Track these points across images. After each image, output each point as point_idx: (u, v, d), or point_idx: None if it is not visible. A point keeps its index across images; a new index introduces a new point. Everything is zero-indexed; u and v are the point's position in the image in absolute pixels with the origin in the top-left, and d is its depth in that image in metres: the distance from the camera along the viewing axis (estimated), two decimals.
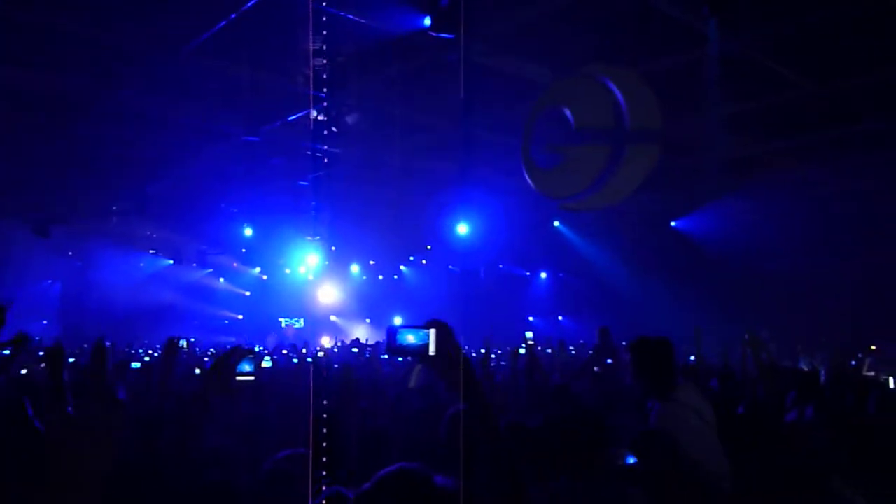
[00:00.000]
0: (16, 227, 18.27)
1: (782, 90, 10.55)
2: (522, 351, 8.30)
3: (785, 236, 15.44)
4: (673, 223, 17.74)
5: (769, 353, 7.54)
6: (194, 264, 25.10)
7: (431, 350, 1.85)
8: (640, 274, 17.48)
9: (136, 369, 7.58)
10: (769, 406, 5.29)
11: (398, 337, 1.86)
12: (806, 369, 9.22)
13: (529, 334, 8.59)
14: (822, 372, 8.40)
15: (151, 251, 23.44)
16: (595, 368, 8.52)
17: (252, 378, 2.28)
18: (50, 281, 23.66)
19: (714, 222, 16.37)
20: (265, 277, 26.39)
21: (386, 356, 12.30)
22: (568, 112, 7.75)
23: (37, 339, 11.80)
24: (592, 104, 7.60)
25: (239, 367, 2.24)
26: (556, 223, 19.18)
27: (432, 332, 1.86)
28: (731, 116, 10.94)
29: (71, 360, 10.22)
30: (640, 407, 5.20)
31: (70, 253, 22.54)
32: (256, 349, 15.61)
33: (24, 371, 7.21)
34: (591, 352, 9.07)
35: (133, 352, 13.50)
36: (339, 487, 2.20)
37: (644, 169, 7.94)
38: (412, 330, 1.86)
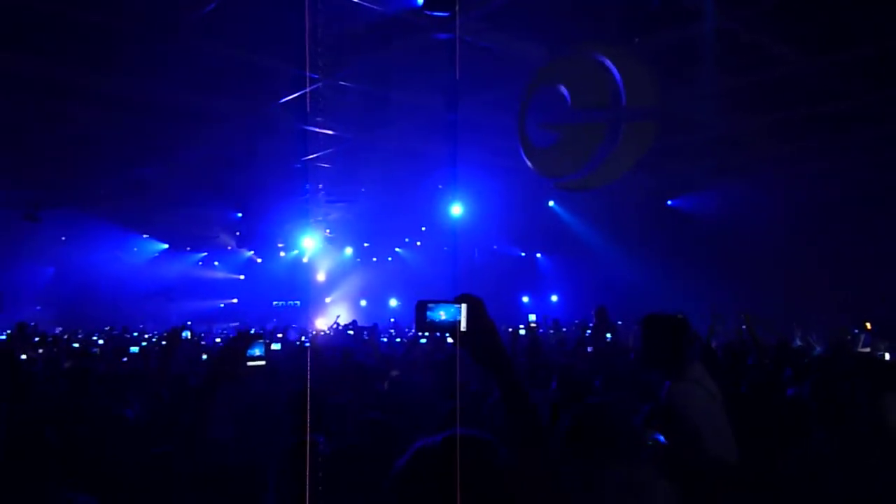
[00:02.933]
0: (6, 212, 18.12)
1: (779, 65, 10.49)
2: (523, 332, 8.30)
3: (782, 214, 15.45)
4: (669, 202, 17.75)
5: (765, 331, 7.57)
6: (188, 248, 25.00)
7: (463, 326, 1.77)
8: (635, 253, 17.48)
9: (135, 354, 7.56)
10: (767, 383, 5.29)
11: (428, 312, 1.78)
12: (801, 345, 9.28)
13: (532, 317, 8.61)
14: (819, 349, 8.44)
15: (145, 235, 23.32)
16: (588, 348, 8.53)
17: (263, 363, 2.22)
18: (43, 266, 23.54)
19: (710, 201, 16.38)
20: (259, 260, 26.32)
21: (385, 339, 12.32)
22: (564, 90, 7.70)
23: (32, 324, 11.76)
24: (589, 82, 7.56)
25: (249, 351, 2.19)
26: (551, 203, 19.16)
27: (463, 306, 1.78)
28: (727, 93, 10.89)
29: (75, 345, 10.21)
30: (640, 385, 5.20)
31: (63, 238, 22.40)
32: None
33: (23, 357, 7.17)
34: (588, 331, 9.09)
35: (128, 336, 13.46)
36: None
37: (640, 147, 7.92)
38: (442, 305, 1.77)
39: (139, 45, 10.25)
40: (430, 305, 1.79)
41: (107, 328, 16.03)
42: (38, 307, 22.58)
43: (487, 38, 9.91)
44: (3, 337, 10.73)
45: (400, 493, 1.22)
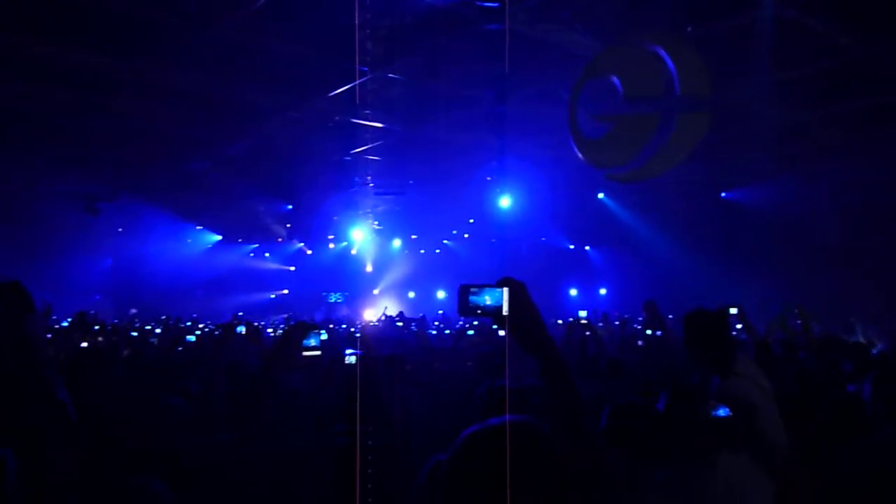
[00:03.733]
0: (67, 205, 18.72)
1: (839, 53, 10.16)
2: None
3: (840, 207, 14.99)
4: (722, 194, 17.39)
5: (819, 326, 7.37)
6: (240, 239, 25.46)
7: (505, 310, 1.76)
8: (687, 246, 17.17)
9: (191, 343, 7.75)
10: (822, 378, 5.16)
11: (470, 297, 1.77)
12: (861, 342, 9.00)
13: (583, 313, 8.55)
14: (881, 346, 8.18)
15: (198, 227, 23.81)
16: (639, 342, 8.40)
17: (318, 353, 2.24)
18: (101, 257, 24.23)
19: (765, 193, 15.97)
20: (309, 252, 26.67)
21: (434, 332, 12.36)
22: (617, 81, 7.59)
23: (92, 312, 12.13)
24: (642, 72, 7.43)
25: (305, 341, 2.21)
26: (601, 195, 18.95)
27: (506, 290, 1.78)
28: (784, 82, 10.60)
29: (133, 333, 10.50)
30: (691, 380, 5.12)
31: (120, 229, 23.02)
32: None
33: (84, 345, 7.40)
34: (636, 325, 8.97)
35: (183, 325, 13.78)
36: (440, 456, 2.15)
37: (694, 138, 7.77)
38: (485, 289, 1.77)
39: (193, 40, 10.46)
40: (472, 289, 1.79)
41: (162, 317, 16.45)
42: (97, 296, 23.27)
43: (537, 29, 9.84)
44: (66, 324, 11.09)
45: (451, 478, 1.22)
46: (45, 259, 17.72)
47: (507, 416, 1.31)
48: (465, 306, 1.78)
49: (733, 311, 6.34)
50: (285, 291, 27.67)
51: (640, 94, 7.57)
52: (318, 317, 20.47)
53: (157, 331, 11.68)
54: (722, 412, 2.55)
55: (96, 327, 9.82)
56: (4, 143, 14.19)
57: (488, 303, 1.77)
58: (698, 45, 8.25)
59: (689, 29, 9.26)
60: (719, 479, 2.69)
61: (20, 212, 18.07)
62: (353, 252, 26.35)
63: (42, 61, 10.93)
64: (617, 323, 13.23)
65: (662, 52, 7.54)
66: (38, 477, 2.14)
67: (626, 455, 2.27)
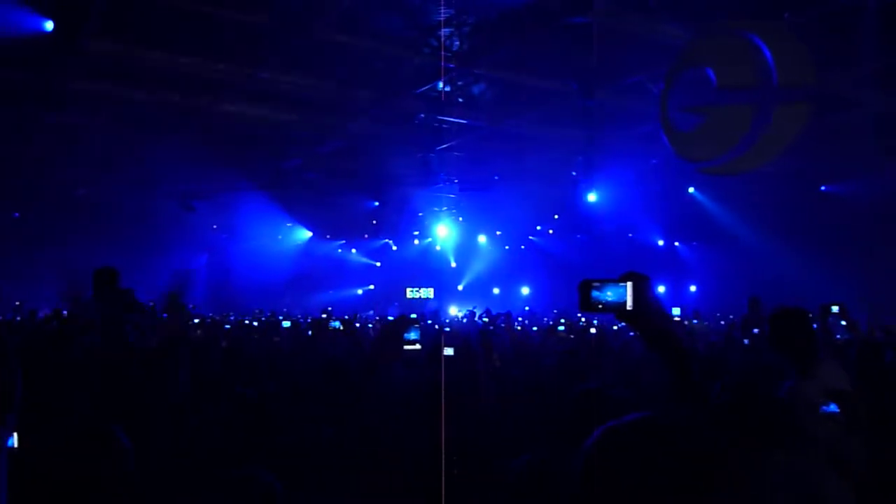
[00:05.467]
0: (165, 203, 19.65)
1: None
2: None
3: None
4: (822, 187, 16.62)
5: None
6: (328, 236, 26.02)
7: (629, 305, 1.74)
8: (784, 242, 16.48)
9: (287, 328, 8.01)
10: None
11: (592, 292, 1.75)
12: None
13: (676, 311, 8.37)
14: None
15: (288, 224, 24.50)
16: (745, 341, 8.15)
17: (419, 347, 2.28)
18: (197, 252, 25.23)
19: (868, 186, 15.14)
20: (395, 248, 27.02)
21: (536, 328, 12.30)
22: (710, 71, 7.36)
23: (191, 306, 12.68)
24: (737, 61, 7.18)
25: (405, 335, 2.25)
26: (691, 189, 18.43)
27: (629, 284, 1.76)
28: (888, 69, 10.03)
29: (226, 326, 10.93)
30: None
31: (214, 226, 23.94)
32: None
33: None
34: (735, 323, 8.69)
35: (276, 319, 14.22)
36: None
37: (793, 129, 7.45)
38: (608, 284, 1.76)
39: (282, 43, 10.77)
40: (595, 284, 1.76)
41: (256, 311, 17.03)
42: (194, 290, 24.24)
43: (625, 21, 9.65)
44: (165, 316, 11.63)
45: (587, 474, 1.22)
46: (147, 254, 18.62)
47: (639, 413, 1.29)
48: (586, 302, 1.77)
49: (835, 308, 6.06)
50: (371, 287, 28.12)
51: (734, 85, 7.31)
52: (393, 312, 20.68)
53: (255, 324, 12.09)
54: (832, 407, 2.45)
55: (196, 320, 10.25)
56: (121, 145, 15.03)
57: (611, 298, 1.76)
58: (796, 31, 7.91)
59: (786, 15, 8.89)
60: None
61: (130, 209, 19.04)
62: (438, 248, 26.53)
63: (151, 67, 11.50)
64: (723, 322, 12.88)
65: (758, 40, 7.26)
66: (154, 457, 2.26)
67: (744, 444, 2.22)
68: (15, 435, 1.52)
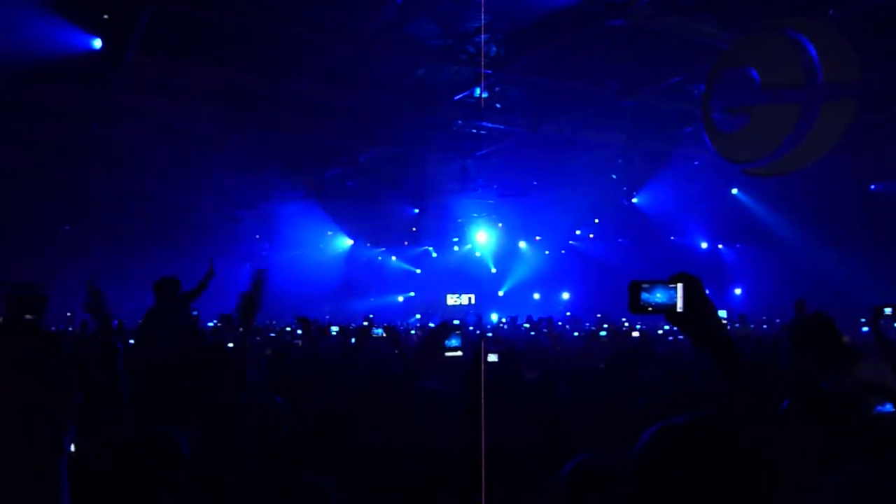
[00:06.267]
0: (211, 214, 20.03)
1: None
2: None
3: None
4: (871, 186, 16.21)
5: None
6: (368, 244, 26.19)
7: (679, 306, 1.71)
8: (832, 243, 16.09)
9: (335, 334, 8.09)
10: None
11: (642, 294, 1.72)
12: None
13: (722, 313, 8.21)
14: None
15: (329, 232, 24.70)
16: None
17: (460, 353, 2.28)
18: (240, 262, 25.60)
19: None
20: (435, 255, 27.08)
21: (577, 333, 12.23)
22: (753, 71, 7.24)
23: (235, 315, 12.84)
24: (781, 60, 7.05)
25: (447, 342, 2.25)
26: (735, 191, 18.13)
27: (680, 286, 1.73)
28: None
29: (272, 334, 11.05)
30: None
31: (257, 236, 24.27)
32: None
33: (230, 345, 7.84)
34: (782, 327, 8.51)
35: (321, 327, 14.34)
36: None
37: (839, 128, 7.28)
38: (658, 285, 1.72)
39: (321, 53, 10.91)
40: (644, 286, 1.73)
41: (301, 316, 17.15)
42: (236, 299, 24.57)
43: (663, 23, 9.55)
44: (212, 324, 11.80)
45: (639, 473, 1.21)
46: (191, 265, 19.01)
47: (692, 414, 1.28)
48: (636, 303, 1.73)
49: (888, 310, 5.90)
50: (412, 294, 28.21)
51: (778, 84, 7.18)
52: (436, 319, 20.73)
53: (299, 332, 12.21)
54: (888, 408, 2.38)
55: (241, 329, 10.37)
56: (166, 157, 15.40)
57: (661, 300, 1.72)
58: (841, 27, 7.74)
59: (831, 12, 8.72)
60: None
61: (176, 220, 19.47)
62: (478, 254, 26.52)
63: (195, 80, 11.77)
64: (765, 326, 12.64)
65: (802, 38, 7.13)
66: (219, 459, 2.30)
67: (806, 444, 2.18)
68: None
